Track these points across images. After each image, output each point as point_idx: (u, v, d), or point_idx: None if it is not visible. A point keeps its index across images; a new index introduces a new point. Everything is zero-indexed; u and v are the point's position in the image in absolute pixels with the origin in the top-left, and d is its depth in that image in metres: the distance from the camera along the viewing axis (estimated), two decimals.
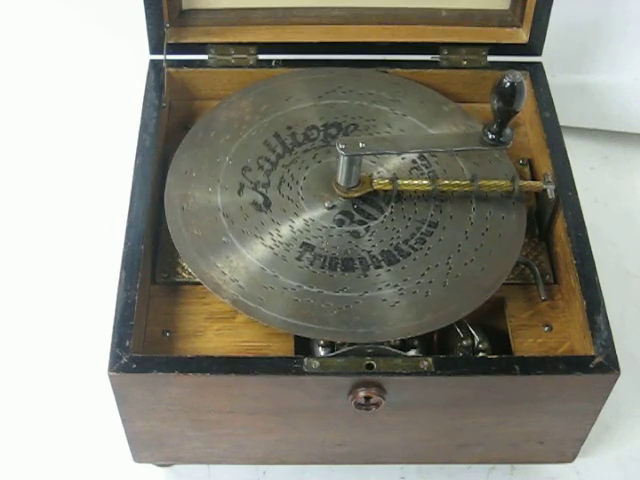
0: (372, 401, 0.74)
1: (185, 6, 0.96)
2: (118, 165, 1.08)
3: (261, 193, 0.85)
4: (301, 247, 0.81)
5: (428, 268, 0.81)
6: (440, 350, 0.82)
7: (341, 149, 0.81)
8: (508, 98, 0.77)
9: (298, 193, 0.85)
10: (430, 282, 0.80)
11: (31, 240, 1.07)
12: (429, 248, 0.82)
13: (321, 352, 0.78)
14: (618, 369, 0.74)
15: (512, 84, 0.77)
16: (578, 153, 1.09)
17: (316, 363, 0.73)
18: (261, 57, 0.96)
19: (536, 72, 0.96)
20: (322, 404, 0.76)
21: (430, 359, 0.73)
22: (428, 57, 0.97)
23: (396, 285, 0.79)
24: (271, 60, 0.96)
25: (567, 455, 0.85)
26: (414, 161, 0.88)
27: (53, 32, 1.21)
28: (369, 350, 0.77)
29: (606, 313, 0.77)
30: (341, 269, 0.80)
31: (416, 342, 0.80)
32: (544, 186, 0.85)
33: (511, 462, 0.89)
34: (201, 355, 0.75)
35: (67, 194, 1.11)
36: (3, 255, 1.06)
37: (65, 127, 1.18)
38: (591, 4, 1.09)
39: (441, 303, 0.78)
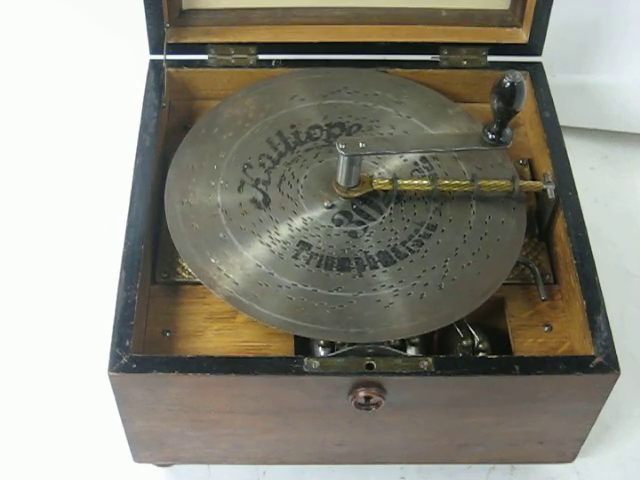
0: (372, 401, 0.74)
1: (185, 6, 0.96)
2: (118, 165, 1.08)
3: (261, 190, 0.85)
4: (298, 245, 0.82)
5: (424, 270, 0.80)
6: (440, 350, 0.82)
7: (341, 149, 0.81)
8: (508, 98, 0.77)
9: (298, 192, 0.85)
10: (425, 284, 0.79)
11: (31, 240, 1.07)
12: (426, 250, 0.82)
13: (321, 352, 0.78)
14: (618, 369, 0.74)
15: (512, 84, 0.77)
16: (578, 153, 1.09)
17: (316, 363, 0.73)
18: (261, 57, 0.96)
19: (536, 72, 0.96)
20: (322, 404, 0.76)
21: (430, 359, 0.73)
22: (428, 57, 0.97)
23: (391, 286, 0.79)
24: (271, 60, 0.96)
25: (567, 455, 0.85)
26: (416, 163, 0.88)
27: (53, 32, 1.21)
28: (369, 350, 0.77)
29: (606, 313, 0.77)
30: (337, 269, 0.80)
31: (417, 339, 0.80)
32: (544, 186, 0.85)
33: (511, 462, 0.89)
34: (201, 355, 0.75)
35: (67, 194, 1.11)
36: (3, 255, 1.06)
37: (65, 127, 1.18)
38: (591, 4, 1.09)
39: (435, 306, 0.78)
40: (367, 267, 0.80)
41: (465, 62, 0.97)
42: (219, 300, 0.78)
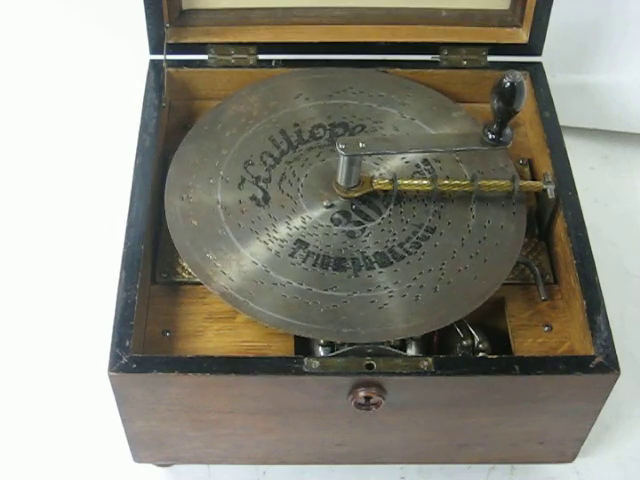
0: (372, 401, 0.74)
1: (185, 6, 0.96)
2: (118, 165, 1.08)
3: (261, 188, 0.85)
4: (295, 244, 0.81)
5: (420, 272, 0.80)
6: (440, 350, 0.82)
7: (341, 149, 0.80)
8: (508, 98, 0.77)
9: (298, 190, 0.85)
10: (421, 286, 0.79)
11: (31, 240, 1.07)
12: (424, 253, 0.82)
13: (321, 352, 0.78)
14: (618, 369, 0.74)
15: (512, 84, 0.77)
16: (578, 153, 1.09)
17: (316, 363, 0.73)
18: (261, 57, 0.96)
19: (536, 72, 0.96)
20: (322, 404, 0.76)
21: (430, 359, 0.73)
22: (428, 57, 0.97)
23: (386, 287, 0.79)
24: (271, 60, 0.96)
25: (567, 455, 0.85)
26: (417, 165, 0.88)
27: (53, 32, 1.21)
28: (369, 350, 0.77)
29: (606, 313, 0.77)
30: (333, 268, 0.80)
31: (418, 338, 0.80)
32: (544, 186, 0.85)
33: (511, 462, 0.89)
34: (201, 355, 0.75)
35: (67, 194, 1.11)
36: (3, 255, 1.06)
37: (65, 127, 1.18)
38: (591, 4, 1.09)
39: (430, 308, 0.78)
40: (363, 267, 0.80)
41: (465, 62, 0.97)
42: (219, 300, 0.78)
